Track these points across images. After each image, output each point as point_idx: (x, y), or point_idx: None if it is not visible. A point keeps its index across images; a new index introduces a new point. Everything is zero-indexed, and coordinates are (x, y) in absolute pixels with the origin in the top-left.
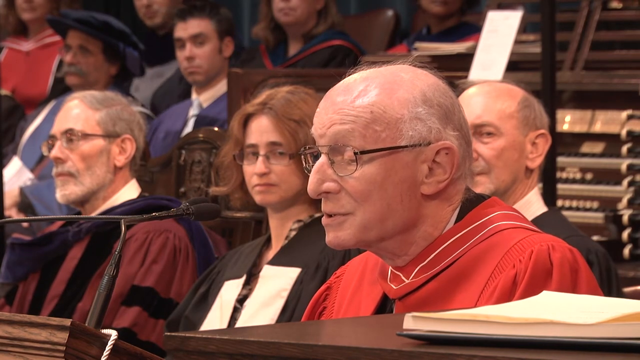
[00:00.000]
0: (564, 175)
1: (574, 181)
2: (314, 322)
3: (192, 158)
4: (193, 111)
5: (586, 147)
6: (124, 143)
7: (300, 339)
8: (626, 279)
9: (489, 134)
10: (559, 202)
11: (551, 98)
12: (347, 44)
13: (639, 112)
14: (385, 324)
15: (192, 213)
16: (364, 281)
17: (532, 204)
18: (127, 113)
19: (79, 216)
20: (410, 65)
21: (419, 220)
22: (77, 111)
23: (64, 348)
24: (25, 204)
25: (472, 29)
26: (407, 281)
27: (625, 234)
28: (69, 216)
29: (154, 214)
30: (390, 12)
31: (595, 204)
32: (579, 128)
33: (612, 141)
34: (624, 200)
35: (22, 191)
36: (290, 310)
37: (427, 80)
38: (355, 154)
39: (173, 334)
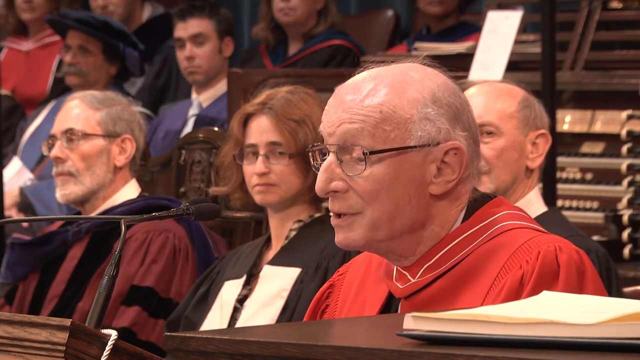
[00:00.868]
0: (564, 175)
1: (574, 181)
2: (314, 322)
3: (192, 158)
4: (193, 111)
5: (586, 147)
6: (124, 143)
7: (300, 339)
8: (626, 279)
9: (489, 133)
10: (559, 202)
11: (551, 98)
12: (347, 44)
13: (639, 112)
14: (385, 324)
15: (192, 213)
16: (368, 279)
17: (532, 204)
18: (127, 113)
19: (79, 216)
20: (419, 63)
21: (427, 220)
22: (78, 111)
23: (64, 348)
24: (25, 204)
25: (472, 29)
26: (413, 280)
27: (625, 234)
28: (69, 216)
29: (154, 214)
30: (390, 12)
31: (595, 204)
32: (579, 128)
33: (612, 141)
34: (624, 200)
35: (22, 191)
36: (290, 310)
37: (436, 80)
38: (364, 154)
39: (173, 334)
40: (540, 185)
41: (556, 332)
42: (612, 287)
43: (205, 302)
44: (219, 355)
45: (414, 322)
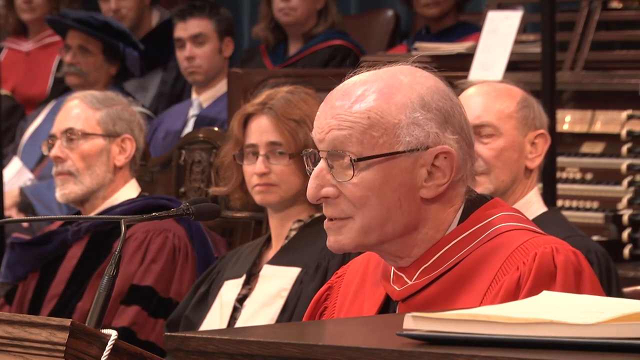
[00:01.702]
0: (564, 175)
1: (574, 181)
2: (314, 322)
3: (192, 158)
4: (193, 111)
5: (586, 147)
6: (124, 143)
7: (300, 339)
8: (626, 279)
9: (489, 134)
10: (559, 202)
11: (551, 98)
12: (347, 44)
13: (639, 112)
14: (385, 324)
15: (192, 213)
16: (366, 282)
17: (532, 204)
18: (127, 113)
19: (79, 216)
20: (410, 66)
21: (419, 224)
22: (78, 111)
23: (64, 348)
24: (25, 204)
25: (472, 29)
26: (410, 283)
27: (625, 234)
28: (69, 216)
29: (153, 213)
30: (390, 12)
31: (595, 204)
32: (579, 128)
33: (612, 141)
34: (624, 200)
35: (22, 191)
36: (290, 310)
37: (426, 84)
38: (352, 160)
39: (173, 334)
40: (540, 185)
41: (556, 332)
42: (612, 287)
43: (205, 301)
44: (219, 355)
45: (414, 322)
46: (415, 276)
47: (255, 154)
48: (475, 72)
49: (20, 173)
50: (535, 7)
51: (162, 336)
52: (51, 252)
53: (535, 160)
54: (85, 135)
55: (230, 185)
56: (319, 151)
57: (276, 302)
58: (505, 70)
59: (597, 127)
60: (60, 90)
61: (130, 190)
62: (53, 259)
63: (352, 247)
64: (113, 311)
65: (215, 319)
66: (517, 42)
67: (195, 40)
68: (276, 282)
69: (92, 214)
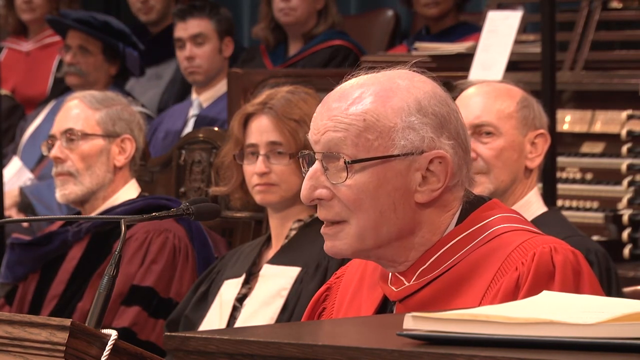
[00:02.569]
0: (564, 175)
1: (574, 181)
2: (314, 322)
3: (192, 158)
4: (193, 111)
5: (586, 147)
6: (124, 143)
7: (300, 339)
8: (626, 279)
9: (488, 134)
10: (559, 202)
11: (551, 98)
12: (347, 44)
13: (639, 112)
14: (385, 324)
15: (192, 213)
16: (364, 283)
17: (532, 204)
18: (127, 113)
19: (79, 216)
20: (408, 70)
21: (415, 228)
22: (77, 111)
23: (64, 348)
24: (25, 204)
25: (472, 29)
26: (407, 284)
27: (625, 234)
28: (69, 216)
29: (153, 213)
30: (390, 12)
31: (595, 204)
32: (579, 128)
33: (612, 141)
34: (624, 200)
35: (22, 191)
36: (290, 310)
37: (423, 88)
38: (346, 162)
39: (173, 334)
40: (540, 185)
41: (556, 332)
42: (612, 287)
43: (204, 301)
44: (219, 355)
45: (414, 322)
46: (414, 277)
47: (256, 154)
48: (475, 72)
49: (20, 173)
50: (535, 7)
51: (162, 336)
52: (51, 252)
53: (535, 160)
54: (85, 135)
55: (230, 185)
56: (314, 153)
57: (276, 302)
58: (505, 70)
59: (597, 127)
60: (60, 90)
61: (130, 191)
62: (53, 259)
63: (349, 253)
64: (113, 311)
65: (214, 319)
66: (517, 42)
67: (195, 40)
68: (276, 281)
69: (92, 214)
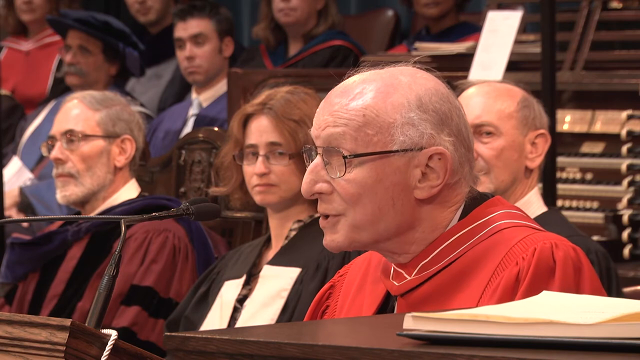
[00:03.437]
0: (564, 175)
1: (574, 181)
2: (314, 322)
3: (192, 158)
4: (193, 111)
5: (586, 147)
6: (124, 143)
7: (300, 339)
8: (626, 279)
9: (489, 134)
10: (559, 202)
11: (551, 98)
12: (347, 44)
13: (639, 112)
14: (385, 324)
15: (192, 213)
16: (367, 280)
17: (532, 204)
18: (126, 113)
19: (79, 216)
20: (412, 67)
21: (414, 223)
22: (77, 112)
23: (64, 348)
24: (25, 204)
25: (472, 29)
26: (409, 278)
27: (625, 234)
28: (69, 216)
29: (153, 213)
30: (390, 12)
31: (595, 204)
32: (579, 128)
33: (612, 141)
34: (624, 200)
35: (22, 191)
36: (290, 310)
37: (425, 85)
38: (345, 157)
39: (173, 334)
40: (540, 185)
41: (556, 332)
42: (612, 287)
43: (205, 302)
44: (219, 355)
45: (414, 322)
46: (415, 272)
47: (255, 154)
48: (475, 72)
49: (20, 173)
50: (535, 7)
51: (162, 336)
52: (51, 252)
53: (536, 160)
54: (86, 137)
55: (230, 186)
56: (316, 147)
57: (276, 303)
58: (505, 70)
59: (597, 127)
60: (60, 90)
61: (130, 191)
62: (53, 259)
63: (346, 244)
64: (113, 311)
65: (215, 319)
66: (517, 42)
67: (195, 40)
68: (276, 282)
69: (92, 214)
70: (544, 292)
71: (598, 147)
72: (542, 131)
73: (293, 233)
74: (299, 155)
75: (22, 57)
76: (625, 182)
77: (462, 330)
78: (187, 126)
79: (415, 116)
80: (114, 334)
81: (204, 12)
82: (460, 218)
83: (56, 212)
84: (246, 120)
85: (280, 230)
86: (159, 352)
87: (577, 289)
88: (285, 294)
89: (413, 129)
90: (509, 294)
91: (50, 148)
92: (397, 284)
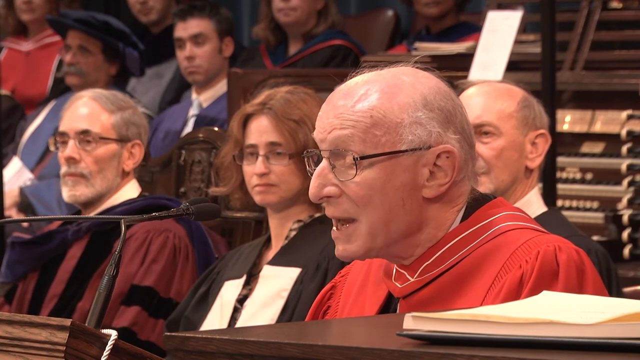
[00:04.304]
0: (564, 175)
1: (574, 181)
2: (314, 322)
3: (192, 158)
4: (193, 111)
5: (586, 147)
6: (134, 148)
7: (300, 339)
8: (626, 279)
9: (489, 133)
10: (559, 202)
11: (551, 98)
12: (347, 44)
13: (639, 112)
14: (385, 324)
15: (192, 213)
16: (369, 281)
17: (532, 204)
18: (137, 117)
19: (79, 216)
20: (412, 67)
21: (422, 223)
22: (92, 111)
23: (64, 348)
24: (25, 204)
25: (472, 29)
26: (411, 280)
27: (625, 234)
28: (69, 216)
29: (154, 213)
30: (390, 12)
31: (595, 204)
32: (579, 128)
33: (612, 141)
34: (624, 200)
35: (22, 191)
36: (291, 310)
37: (428, 84)
38: (355, 159)
39: (173, 334)
40: (540, 185)
41: (556, 332)
42: (612, 287)
43: (205, 302)
44: (219, 355)
45: (414, 322)
46: (417, 273)
47: (255, 154)
48: (475, 72)
49: (20, 173)
50: (535, 7)
51: (162, 336)
52: (51, 251)
53: (536, 160)
54: (102, 139)
55: (230, 186)
56: (320, 151)
57: (276, 303)
58: (505, 70)
59: (597, 127)
60: (60, 90)
61: (130, 190)
62: (53, 258)
63: (360, 254)
64: (113, 311)
65: (215, 320)
66: (517, 42)
67: (195, 40)
68: (276, 282)
69: (92, 214)
70: (544, 292)
71: (598, 147)
72: (542, 131)
73: (293, 233)
74: (299, 155)
75: (22, 57)
76: (625, 182)
77: (462, 330)
78: (188, 126)
79: (422, 115)
80: (114, 334)
81: (204, 12)
82: (463, 219)
83: (56, 212)
84: (246, 120)
85: (280, 230)
86: (159, 352)
87: (580, 292)
88: (285, 294)
89: (421, 127)
90: (512, 297)
91: (58, 143)
92: (399, 286)
